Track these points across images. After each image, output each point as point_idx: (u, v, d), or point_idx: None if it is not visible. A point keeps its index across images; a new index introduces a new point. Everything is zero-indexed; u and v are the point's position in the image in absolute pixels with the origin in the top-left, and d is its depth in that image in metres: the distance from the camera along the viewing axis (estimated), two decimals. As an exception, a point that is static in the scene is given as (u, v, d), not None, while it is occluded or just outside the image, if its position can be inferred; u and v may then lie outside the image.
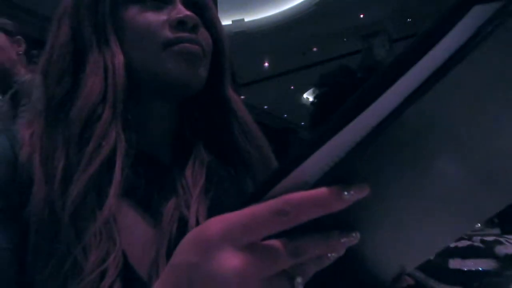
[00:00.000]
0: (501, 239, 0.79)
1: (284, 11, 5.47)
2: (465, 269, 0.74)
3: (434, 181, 0.24)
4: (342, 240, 0.24)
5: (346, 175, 0.22)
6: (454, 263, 0.75)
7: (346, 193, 0.22)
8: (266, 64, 6.74)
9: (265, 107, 7.89)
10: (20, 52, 1.35)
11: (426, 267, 0.75)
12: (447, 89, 0.19)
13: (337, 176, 0.22)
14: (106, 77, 0.42)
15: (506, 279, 0.74)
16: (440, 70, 0.18)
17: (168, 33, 0.43)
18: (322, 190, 0.22)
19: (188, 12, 0.43)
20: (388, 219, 0.26)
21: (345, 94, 1.19)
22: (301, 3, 5.30)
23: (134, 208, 0.41)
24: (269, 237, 0.23)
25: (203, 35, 0.45)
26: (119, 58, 0.42)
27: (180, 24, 0.43)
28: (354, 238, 0.24)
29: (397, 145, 0.21)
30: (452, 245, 0.78)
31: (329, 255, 0.24)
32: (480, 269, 0.74)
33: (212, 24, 0.47)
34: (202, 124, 0.50)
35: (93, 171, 0.38)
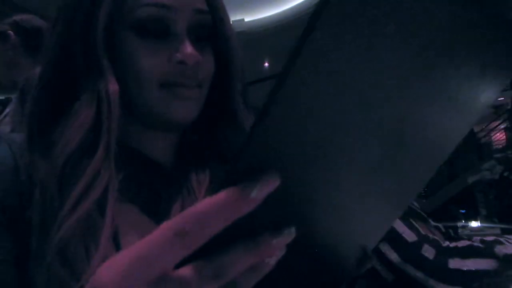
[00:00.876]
0: (501, 239, 0.79)
1: (284, 11, 5.46)
2: (465, 269, 0.74)
3: (351, 153, 0.22)
4: (275, 242, 0.21)
5: (249, 169, 0.19)
6: (454, 263, 0.75)
7: (251, 190, 0.19)
8: (266, 64, 6.74)
9: (265, 107, 7.88)
10: (9, 48, 1.31)
11: (426, 267, 0.75)
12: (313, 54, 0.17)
13: (239, 172, 0.19)
14: (100, 109, 0.39)
15: (506, 279, 0.74)
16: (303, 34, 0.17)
17: (166, 74, 0.41)
18: (222, 195, 0.19)
19: (189, 51, 0.40)
20: (323, 202, 0.24)
21: None
22: (301, 3, 5.30)
23: (139, 215, 0.41)
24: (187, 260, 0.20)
25: (206, 64, 0.43)
26: (114, 88, 0.39)
27: (180, 64, 0.41)
28: (288, 234, 0.21)
29: (294, 122, 0.19)
30: (452, 245, 0.78)
31: (266, 260, 0.21)
32: (480, 269, 0.74)
33: (223, 42, 0.45)
34: (207, 135, 0.48)
35: (79, 216, 0.35)
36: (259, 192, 0.19)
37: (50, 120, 0.39)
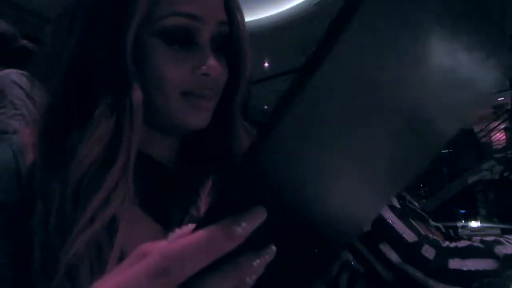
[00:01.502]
0: (500, 239, 0.79)
1: (284, 11, 5.46)
2: (465, 269, 0.74)
3: (347, 144, 0.21)
4: (256, 264, 0.20)
5: (233, 203, 0.18)
6: (454, 263, 0.74)
7: (236, 227, 0.18)
8: (266, 64, 6.73)
9: (265, 107, 7.88)
10: None
11: (426, 267, 0.75)
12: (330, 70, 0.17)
13: (222, 208, 0.18)
14: (121, 119, 0.37)
15: (506, 279, 0.74)
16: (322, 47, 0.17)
17: (189, 84, 0.41)
18: (206, 233, 0.18)
19: (213, 63, 0.41)
20: (311, 205, 0.23)
21: None
22: (301, 3, 5.29)
23: (142, 216, 0.41)
24: None
25: (222, 76, 0.44)
26: (138, 96, 0.38)
27: (203, 75, 0.41)
28: (269, 255, 0.21)
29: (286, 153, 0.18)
30: (452, 245, 0.78)
31: (247, 279, 0.20)
32: (480, 269, 0.74)
33: (239, 54, 0.45)
34: (208, 139, 0.48)
35: (95, 231, 0.34)
36: (245, 229, 0.18)
37: (65, 131, 0.38)
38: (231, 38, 0.45)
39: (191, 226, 0.19)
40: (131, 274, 0.19)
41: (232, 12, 0.44)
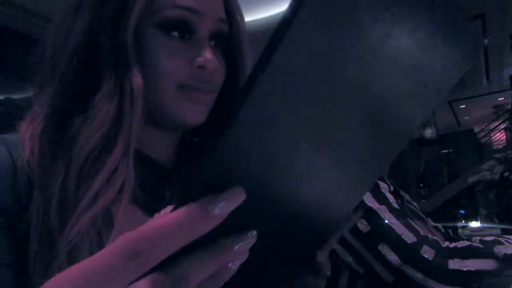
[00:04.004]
0: (500, 239, 0.79)
1: (284, 11, 5.47)
2: (465, 270, 0.74)
3: (323, 133, 0.21)
4: (237, 247, 0.19)
5: (211, 182, 0.17)
6: (454, 264, 0.74)
7: (214, 207, 0.17)
8: (266, 64, 6.74)
9: (265, 107, 7.89)
10: None
11: (426, 268, 0.75)
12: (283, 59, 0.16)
13: (199, 186, 0.17)
14: (122, 103, 0.38)
15: (505, 279, 0.74)
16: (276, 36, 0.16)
17: (185, 76, 0.41)
18: (182, 212, 0.17)
19: (210, 56, 0.42)
20: (290, 193, 0.23)
21: None
22: (301, 3, 5.30)
23: (136, 213, 0.40)
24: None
25: (220, 72, 0.44)
26: (139, 82, 0.39)
27: (200, 68, 0.42)
28: (250, 238, 0.20)
29: (260, 131, 0.18)
30: (452, 245, 0.78)
31: (229, 265, 0.20)
32: (480, 269, 0.74)
33: (237, 52, 0.46)
34: (206, 136, 0.49)
35: (97, 211, 0.35)
36: (223, 208, 0.17)
37: (69, 116, 0.39)
38: (230, 37, 0.45)
39: (170, 207, 0.19)
40: (103, 256, 0.18)
41: (232, 11, 0.45)
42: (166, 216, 0.18)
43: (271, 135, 0.18)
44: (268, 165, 0.20)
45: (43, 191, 0.36)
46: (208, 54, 0.42)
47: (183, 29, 0.41)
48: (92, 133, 0.37)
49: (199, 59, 0.41)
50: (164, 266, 0.18)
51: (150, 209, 0.41)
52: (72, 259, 0.33)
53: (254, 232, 0.20)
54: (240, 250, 0.19)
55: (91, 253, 0.33)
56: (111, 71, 0.39)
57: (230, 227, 0.19)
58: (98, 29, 0.40)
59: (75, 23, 0.41)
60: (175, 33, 0.41)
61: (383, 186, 0.97)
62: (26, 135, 0.40)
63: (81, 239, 0.34)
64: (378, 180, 1.04)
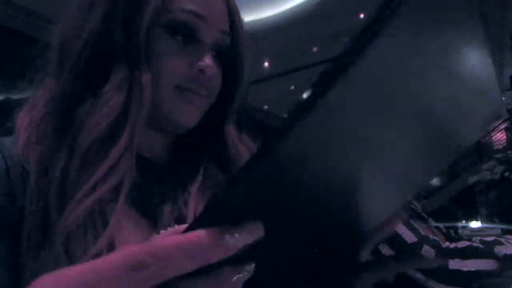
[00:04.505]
0: (500, 239, 0.79)
1: (284, 11, 5.46)
2: (465, 270, 0.74)
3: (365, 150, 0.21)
4: (235, 279, 0.19)
5: (232, 211, 0.17)
6: (454, 264, 0.74)
7: (231, 236, 0.17)
8: (266, 64, 6.73)
9: (265, 107, 7.88)
10: None
11: (426, 268, 0.75)
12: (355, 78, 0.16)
13: (219, 213, 0.17)
14: (131, 96, 0.40)
15: (506, 279, 0.74)
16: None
17: (184, 78, 0.43)
18: (196, 235, 0.17)
19: (210, 62, 0.43)
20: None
21: None
22: (301, 3, 5.29)
23: (131, 211, 0.41)
24: None
25: (217, 80, 0.45)
26: (147, 78, 0.40)
27: (199, 72, 0.43)
28: (248, 272, 0.19)
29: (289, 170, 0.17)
30: (452, 245, 0.78)
31: None
32: (480, 269, 0.74)
33: (235, 67, 0.47)
34: (201, 137, 0.49)
35: (97, 198, 0.35)
36: (239, 241, 0.17)
37: (77, 103, 0.40)
38: (231, 51, 0.47)
39: (183, 226, 0.19)
40: (107, 262, 0.17)
41: (235, 26, 0.47)
42: (180, 236, 0.17)
43: (307, 168, 0.18)
44: (296, 203, 0.19)
45: (40, 177, 0.36)
46: (208, 60, 0.43)
47: (188, 33, 0.43)
48: (99, 120, 0.38)
49: (200, 63, 0.43)
50: (163, 286, 0.17)
51: (141, 207, 0.41)
52: (67, 248, 0.34)
53: (253, 266, 0.19)
54: (237, 281, 0.19)
55: (86, 244, 0.34)
56: (122, 65, 0.41)
57: (234, 256, 0.18)
58: (112, 24, 0.41)
59: (89, 16, 0.42)
60: (180, 37, 0.43)
61: None
62: (23, 124, 0.41)
63: (77, 227, 0.34)
64: None
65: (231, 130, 0.50)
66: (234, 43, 0.47)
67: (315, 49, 6.33)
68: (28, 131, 0.40)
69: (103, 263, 0.17)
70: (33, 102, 0.42)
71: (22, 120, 0.41)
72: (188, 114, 0.44)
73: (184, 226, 0.18)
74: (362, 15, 5.42)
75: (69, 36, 0.42)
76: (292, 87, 7.68)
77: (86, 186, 0.36)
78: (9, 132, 0.42)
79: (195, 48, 0.43)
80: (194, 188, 0.44)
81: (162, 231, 0.20)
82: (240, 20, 0.48)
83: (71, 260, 0.33)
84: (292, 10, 5.41)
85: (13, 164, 0.38)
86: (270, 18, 5.71)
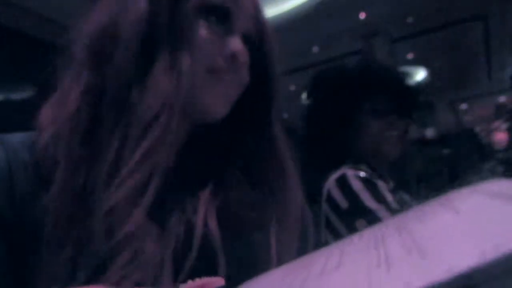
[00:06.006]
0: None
1: (284, 11, 5.45)
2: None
3: None
4: None
5: None
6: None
7: None
8: (267, 64, 6.74)
9: (266, 107, 7.88)
10: None
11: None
12: None
13: None
14: (177, 79, 0.40)
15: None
16: None
17: (218, 60, 0.43)
18: None
19: (242, 48, 0.43)
20: None
21: (338, 95, 1.17)
22: (301, 3, 5.29)
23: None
24: None
25: (245, 74, 0.46)
26: (188, 64, 0.41)
27: (231, 57, 0.43)
28: None
29: None
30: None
31: None
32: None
33: (263, 59, 0.48)
34: (222, 141, 0.49)
35: (138, 179, 0.37)
36: None
37: (127, 88, 0.40)
38: (260, 47, 0.47)
39: (200, 282, 0.20)
40: None
41: (262, 20, 0.48)
42: None
43: None
44: None
45: (71, 167, 0.37)
46: (239, 46, 0.43)
47: (221, 17, 0.43)
48: (152, 103, 0.39)
49: (231, 47, 0.43)
50: None
51: (154, 209, 0.41)
52: (109, 228, 0.35)
53: None
54: None
55: (124, 220, 0.35)
56: (166, 49, 0.41)
57: None
58: (157, 9, 0.42)
59: (129, 2, 0.42)
60: (213, 19, 0.43)
61: (382, 185, 0.97)
62: (46, 120, 0.41)
63: (121, 203, 0.36)
64: (377, 178, 1.04)
65: (278, 136, 0.49)
66: (261, 38, 0.47)
67: (315, 49, 6.32)
68: (56, 126, 0.40)
69: None
70: (60, 98, 0.42)
71: (45, 116, 0.41)
72: (216, 98, 0.43)
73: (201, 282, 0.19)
74: (362, 15, 5.42)
75: (107, 25, 0.42)
76: (292, 87, 7.68)
77: (130, 164, 0.37)
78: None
79: (227, 33, 0.43)
80: (204, 195, 0.44)
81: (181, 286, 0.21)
82: (265, 17, 0.49)
83: (110, 235, 0.35)
84: (292, 10, 5.40)
85: (18, 160, 0.38)
86: (270, 18, 5.71)
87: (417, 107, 1.21)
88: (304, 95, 1.28)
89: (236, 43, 0.43)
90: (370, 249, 0.23)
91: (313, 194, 1.09)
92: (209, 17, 0.43)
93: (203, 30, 0.42)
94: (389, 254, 0.21)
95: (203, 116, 0.44)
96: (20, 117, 0.43)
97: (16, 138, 0.41)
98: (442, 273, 0.16)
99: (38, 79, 0.44)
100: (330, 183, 1.06)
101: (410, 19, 5.31)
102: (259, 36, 0.47)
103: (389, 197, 0.93)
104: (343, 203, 0.98)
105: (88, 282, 0.34)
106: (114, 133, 0.38)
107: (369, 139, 1.12)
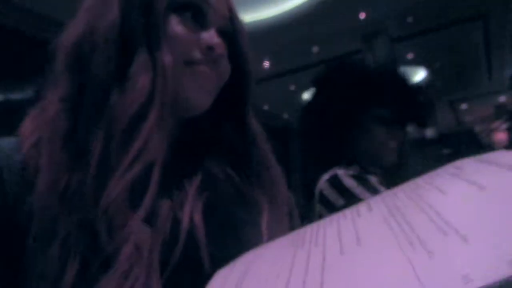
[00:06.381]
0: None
1: (284, 11, 5.45)
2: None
3: None
4: None
5: None
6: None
7: None
8: (266, 64, 6.73)
9: (265, 107, 7.88)
10: None
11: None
12: None
13: None
14: (155, 76, 0.41)
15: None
16: None
17: (195, 53, 0.44)
18: None
19: (218, 40, 0.44)
20: None
21: (347, 95, 1.16)
22: (301, 3, 5.29)
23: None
24: None
25: (225, 66, 0.47)
26: (169, 59, 0.42)
27: (208, 49, 0.44)
28: None
29: None
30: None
31: None
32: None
33: (239, 55, 0.49)
34: (207, 134, 0.50)
35: (135, 175, 0.37)
36: None
37: (107, 89, 0.41)
38: (234, 43, 0.48)
39: None
40: None
41: (235, 17, 0.49)
42: None
43: None
44: None
45: (57, 172, 0.37)
46: (217, 39, 0.44)
47: (196, 12, 0.45)
48: (132, 102, 0.39)
49: (207, 39, 0.44)
50: None
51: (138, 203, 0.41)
52: (108, 221, 0.36)
53: None
54: None
55: (125, 218, 0.36)
56: (143, 48, 0.42)
57: None
58: (131, 11, 0.43)
59: (106, 8, 0.43)
60: (188, 16, 0.44)
61: (373, 179, 0.97)
62: (27, 130, 0.41)
63: (118, 202, 0.36)
64: (366, 173, 1.04)
65: (255, 125, 0.51)
66: (235, 36, 0.48)
67: (315, 49, 6.32)
68: (37, 133, 0.40)
69: None
70: (41, 106, 0.43)
71: (26, 127, 0.42)
72: (197, 91, 0.44)
73: None
74: (362, 15, 5.42)
75: (83, 32, 0.43)
76: (292, 87, 7.67)
77: (124, 164, 0.37)
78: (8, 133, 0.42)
79: (203, 27, 0.45)
80: (192, 189, 0.44)
81: None
82: (238, 15, 0.49)
83: (111, 234, 0.35)
84: (292, 10, 5.40)
85: (9, 164, 0.39)
86: (270, 18, 5.70)
87: (423, 119, 1.19)
88: (305, 94, 1.27)
89: (211, 36, 0.44)
90: (389, 223, 0.20)
91: (311, 194, 1.09)
92: (183, 14, 0.44)
93: (177, 26, 0.43)
94: (418, 232, 0.18)
95: (186, 110, 0.45)
96: (20, 117, 0.43)
97: (6, 143, 0.41)
98: (507, 266, 0.13)
99: (38, 79, 0.45)
100: (322, 184, 1.06)
101: (410, 19, 5.31)
102: (233, 30, 0.48)
103: (381, 189, 0.93)
104: (339, 201, 0.98)
105: (92, 277, 0.34)
106: (96, 134, 0.39)
107: (369, 145, 1.11)
